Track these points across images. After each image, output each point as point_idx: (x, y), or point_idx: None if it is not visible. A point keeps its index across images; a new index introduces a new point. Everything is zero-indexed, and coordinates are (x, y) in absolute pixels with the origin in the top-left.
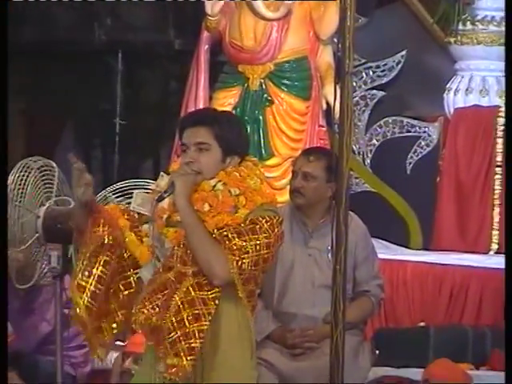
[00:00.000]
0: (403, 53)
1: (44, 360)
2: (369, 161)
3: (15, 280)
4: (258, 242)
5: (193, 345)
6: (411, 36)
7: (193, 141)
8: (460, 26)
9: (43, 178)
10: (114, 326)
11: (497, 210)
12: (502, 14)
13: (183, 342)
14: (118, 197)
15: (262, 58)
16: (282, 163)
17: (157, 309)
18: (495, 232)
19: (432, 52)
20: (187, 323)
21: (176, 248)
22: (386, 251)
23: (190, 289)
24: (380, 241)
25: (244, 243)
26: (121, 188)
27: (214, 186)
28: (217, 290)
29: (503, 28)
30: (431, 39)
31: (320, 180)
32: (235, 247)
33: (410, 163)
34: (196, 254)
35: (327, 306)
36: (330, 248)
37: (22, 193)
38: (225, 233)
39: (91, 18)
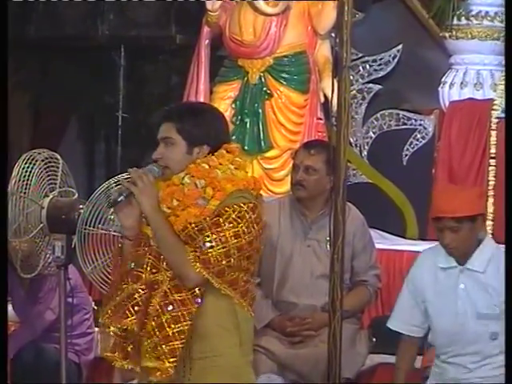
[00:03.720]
0: (399, 47)
1: (49, 347)
2: (366, 153)
3: (20, 269)
4: (222, 234)
5: (174, 346)
6: (407, 31)
7: (160, 136)
8: (455, 21)
9: (47, 169)
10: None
11: (490, 200)
12: (496, 9)
13: (164, 346)
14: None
15: (261, 53)
16: (281, 155)
17: (130, 316)
18: (489, 222)
19: (427, 46)
20: (166, 326)
21: (148, 256)
22: (383, 241)
23: (168, 292)
24: (377, 231)
25: (207, 238)
26: (123, 180)
27: (183, 179)
28: (197, 288)
29: (497, 23)
30: (427, 34)
31: (321, 173)
32: (198, 245)
33: (406, 155)
34: (167, 258)
35: (325, 295)
36: (328, 239)
37: (26, 184)
38: (189, 232)
39: (94, 14)
